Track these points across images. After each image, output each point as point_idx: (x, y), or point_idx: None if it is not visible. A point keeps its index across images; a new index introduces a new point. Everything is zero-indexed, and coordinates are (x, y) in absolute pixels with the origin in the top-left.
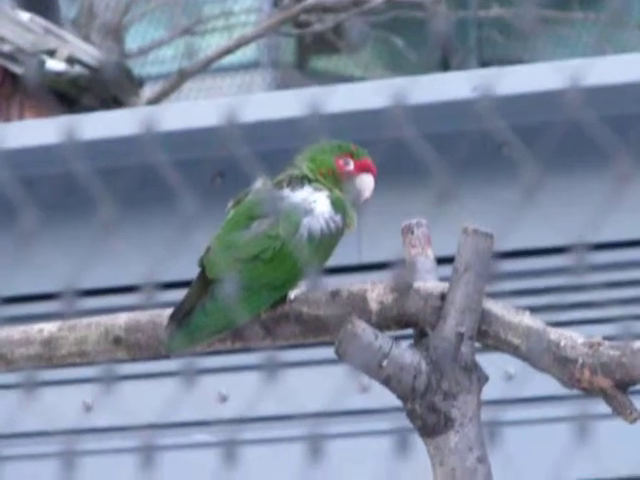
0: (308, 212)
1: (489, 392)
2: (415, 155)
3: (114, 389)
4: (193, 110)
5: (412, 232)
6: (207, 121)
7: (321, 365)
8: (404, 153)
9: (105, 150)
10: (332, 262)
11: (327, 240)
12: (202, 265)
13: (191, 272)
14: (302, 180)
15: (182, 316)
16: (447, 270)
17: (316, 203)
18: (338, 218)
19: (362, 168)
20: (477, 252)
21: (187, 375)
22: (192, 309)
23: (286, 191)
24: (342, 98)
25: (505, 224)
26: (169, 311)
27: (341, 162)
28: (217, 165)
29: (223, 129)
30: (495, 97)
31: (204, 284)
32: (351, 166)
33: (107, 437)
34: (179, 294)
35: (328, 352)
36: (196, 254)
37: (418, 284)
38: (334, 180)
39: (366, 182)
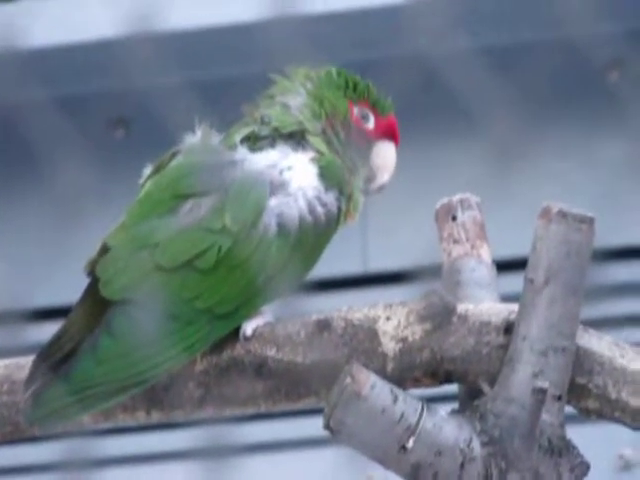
0: (278, 188)
1: None
2: (446, 83)
3: None
4: (73, 13)
5: (454, 217)
6: (100, 31)
7: (300, 449)
8: (429, 81)
9: None
10: (319, 272)
11: (310, 236)
12: (93, 276)
13: (72, 292)
14: (275, 132)
15: (57, 363)
16: (514, 281)
17: (292, 172)
18: (330, 198)
19: (385, 130)
20: (567, 250)
21: (68, 467)
22: (74, 351)
23: (241, 151)
24: None
25: (612, 204)
26: (32, 358)
27: (356, 113)
28: (118, 106)
29: (128, 41)
30: None
31: (95, 309)
32: (371, 123)
33: None
34: (52, 327)
35: (312, 426)
36: (81, 259)
37: (465, 307)
38: (338, 139)
39: (387, 157)
